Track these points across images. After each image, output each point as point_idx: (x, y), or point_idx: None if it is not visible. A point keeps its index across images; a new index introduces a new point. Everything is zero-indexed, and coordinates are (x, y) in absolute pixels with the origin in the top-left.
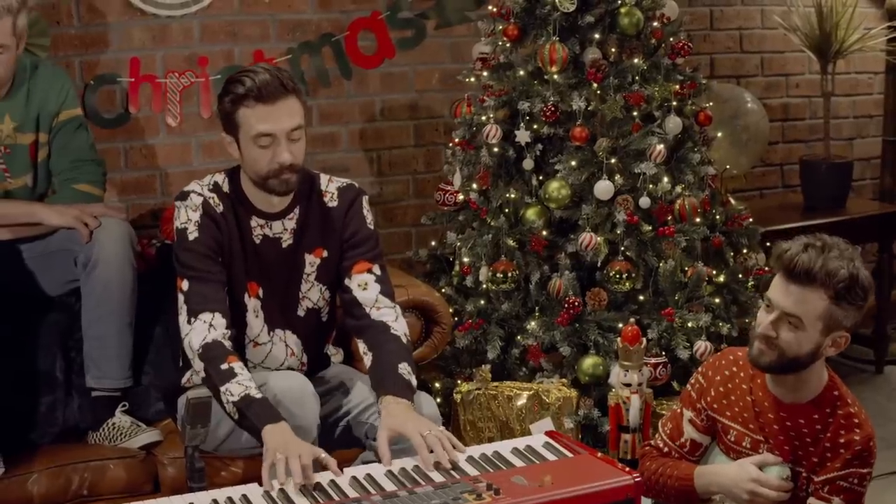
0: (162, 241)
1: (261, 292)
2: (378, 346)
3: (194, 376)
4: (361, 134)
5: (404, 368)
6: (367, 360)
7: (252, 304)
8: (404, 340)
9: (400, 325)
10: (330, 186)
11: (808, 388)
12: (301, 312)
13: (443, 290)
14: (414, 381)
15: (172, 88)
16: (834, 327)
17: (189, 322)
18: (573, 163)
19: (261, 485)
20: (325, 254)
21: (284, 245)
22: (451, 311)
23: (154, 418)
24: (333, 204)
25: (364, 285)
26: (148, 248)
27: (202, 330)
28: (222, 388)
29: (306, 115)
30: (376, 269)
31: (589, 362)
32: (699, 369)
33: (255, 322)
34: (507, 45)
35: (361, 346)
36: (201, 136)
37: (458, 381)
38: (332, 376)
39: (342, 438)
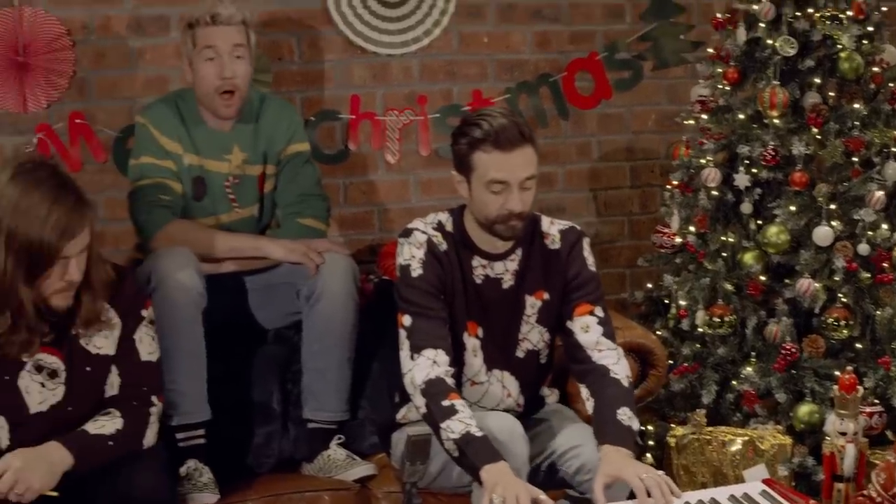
0: (380, 276)
1: (480, 332)
2: (599, 392)
3: (410, 412)
4: (578, 174)
5: (623, 414)
6: (590, 406)
7: (471, 343)
8: (625, 383)
9: (621, 368)
10: (552, 229)
11: None
12: (520, 353)
13: (658, 333)
14: (634, 425)
15: (392, 126)
16: None
17: (412, 358)
18: (792, 208)
19: None
20: (546, 296)
21: (505, 286)
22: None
23: (368, 452)
24: (555, 246)
25: (586, 328)
26: (366, 283)
27: (425, 366)
28: (442, 425)
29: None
30: (598, 311)
31: (804, 410)
32: None
33: (474, 361)
34: (727, 88)
35: (584, 392)
36: (420, 174)
37: (672, 425)
38: (544, 417)
39: (546, 479)
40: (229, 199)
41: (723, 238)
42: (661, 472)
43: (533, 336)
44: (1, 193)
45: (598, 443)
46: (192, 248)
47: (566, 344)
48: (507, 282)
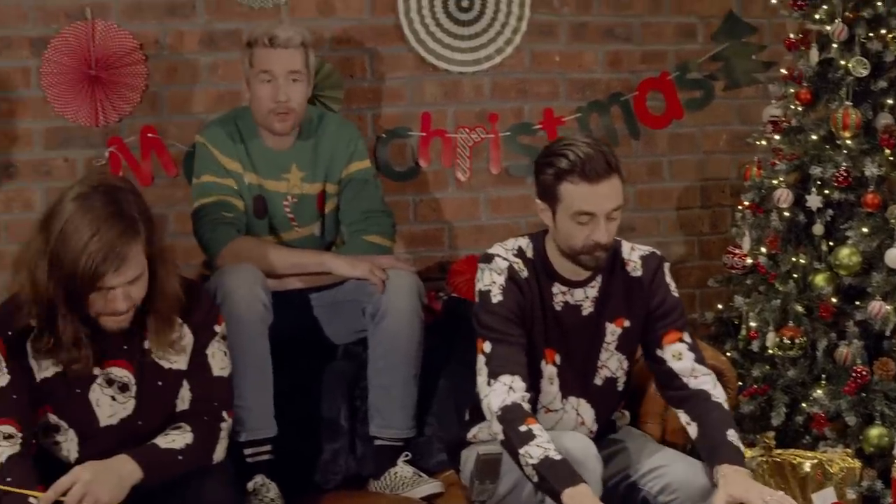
0: (449, 293)
1: (558, 359)
2: (703, 416)
3: (481, 432)
4: (648, 194)
5: (733, 436)
6: (692, 430)
7: (548, 370)
8: (726, 407)
9: (719, 392)
10: (633, 255)
11: None
12: (598, 381)
13: (728, 354)
14: (743, 448)
15: (462, 143)
16: None
17: (489, 384)
18: (864, 229)
19: None
20: (626, 323)
21: (585, 313)
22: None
23: (435, 469)
24: (637, 273)
25: (678, 355)
26: (434, 300)
27: (502, 392)
28: (521, 451)
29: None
30: (686, 338)
31: (874, 433)
32: None
33: (550, 389)
34: (799, 108)
35: (683, 417)
36: (490, 192)
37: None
38: (618, 438)
39: (623, 500)
40: (289, 218)
41: (794, 259)
42: (781, 493)
43: (612, 363)
44: (57, 211)
45: (713, 463)
46: (257, 265)
47: (658, 372)
48: (587, 309)
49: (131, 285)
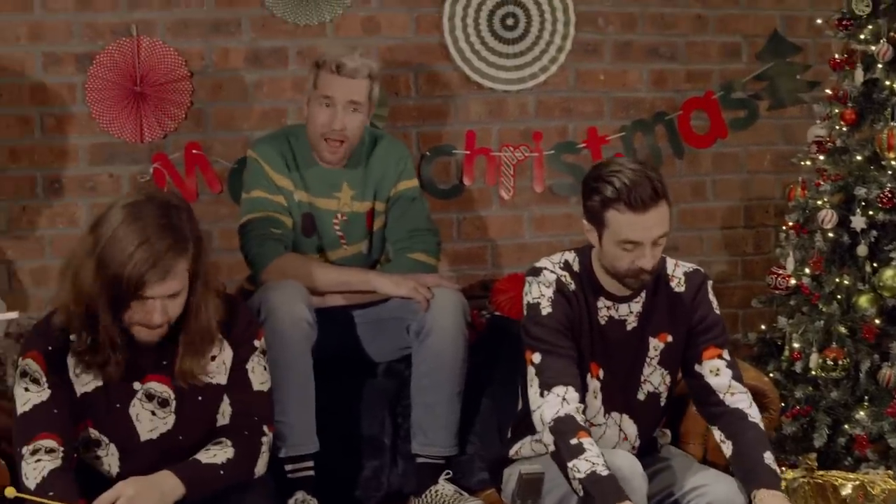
0: (492, 311)
1: (601, 374)
2: (738, 435)
3: (523, 448)
4: (692, 213)
5: (769, 458)
6: (727, 448)
7: (592, 384)
8: (762, 427)
9: (755, 412)
10: (677, 271)
11: None
12: (641, 396)
13: (771, 375)
14: (779, 471)
15: (507, 162)
16: None
17: (542, 395)
18: None
19: None
20: (669, 338)
21: (629, 328)
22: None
23: (476, 488)
24: (680, 289)
25: (716, 371)
26: (478, 318)
27: (555, 403)
28: (569, 464)
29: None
30: (725, 355)
31: None
32: None
33: (593, 403)
34: (844, 129)
35: (717, 434)
36: (533, 210)
37: (783, 468)
38: (661, 457)
39: None
40: (338, 237)
41: (838, 280)
42: None
43: (654, 378)
44: (108, 216)
45: (749, 487)
46: (302, 281)
47: (695, 387)
48: (631, 323)
49: (170, 300)
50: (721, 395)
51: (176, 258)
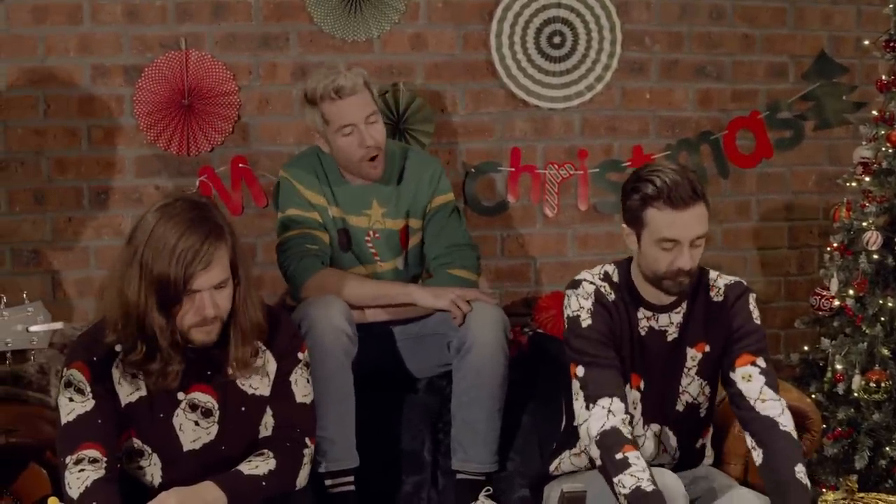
0: (534, 329)
1: (642, 384)
2: (770, 444)
3: (563, 463)
4: (736, 233)
5: (801, 471)
6: (757, 455)
7: (632, 395)
8: (794, 436)
9: (787, 420)
10: (718, 282)
11: None
12: (680, 407)
13: (813, 396)
14: (809, 485)
15: (551, 179)
16: None
17: (587, 408)
18: None
19: None
20: (707, 348)
21: (669, 338)
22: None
23: None
24: (719, 299)
25: (748, 377)
26: (520, 335)
27: (601, 416)
28: (615, 479)
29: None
30: (760, 362)
31: None
32: None
33: (633, 414)
34: (890, 150)
35: (749, 441)
36: (577, 228)
37: (824, 490)
38: (702, 477)
39: None
40: (371, 253)
41: (881, 302)
42: None
43: (693, 389)
44: (141, 224)
45: (778, 502)
46: (341, 296)
47: (730, 395)
48: (672, 335)
49: (218, 291)
50: (752, 402)
51: (215, 245)
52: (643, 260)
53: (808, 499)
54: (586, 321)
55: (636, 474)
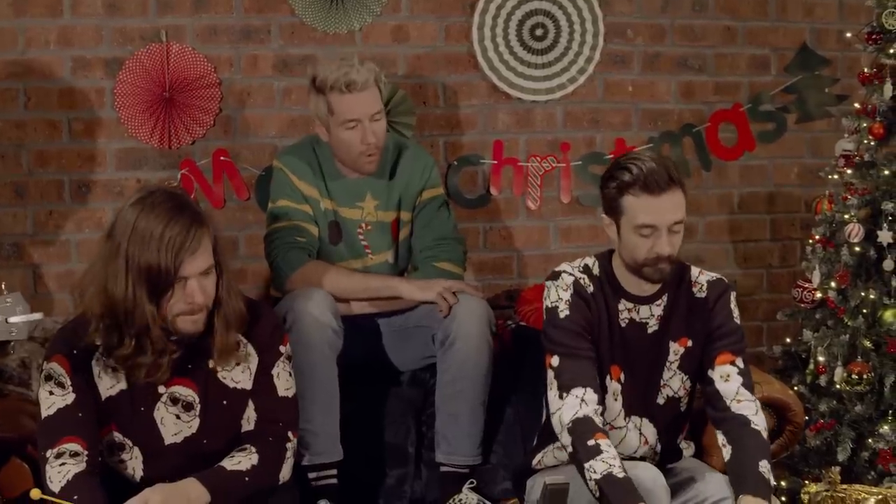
0: (517, 322)
1: (622, 376)
2: (738, 441)
3: (546, 457)
4: (718, 225)
5: (764, 467)
6: (726, 452)
7: (612, 387)
8: (764, 436)
9: (760, 420)
10: (700, 278)
11: None
12: (661, 400)
13: (795, 388)
14: (772, 480)
15: (534, 172)
16: None
17: (560, 397)
18: None
19: None
20: (689, 343)
21: (650, 331)
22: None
23: (500, 496)
24: (702, 295)
25: (726, 377)
26: (504, 328)
27: (574, 405)
28: (586, 465)
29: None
30: (739, 362)
31: None
32: None
33: (614, 406)
34: (872, 143)
35: (720, 438)
36: (560, 221)
37: (806, 482)
38: (683, 469)
39: None
40: (363, 245)
41: (863, 294)
42: None
43: (674, 383)
44: (121, 219)
45: (737, 492)
46: (326, 289)
47: (705, 392)
48: (652, 327)
49: (205, 278)
50: (727, 401)
51: (200, 230)
52: (623, 248)
53: (768, 492)
54: (564, 312)
55: (607, 461)
